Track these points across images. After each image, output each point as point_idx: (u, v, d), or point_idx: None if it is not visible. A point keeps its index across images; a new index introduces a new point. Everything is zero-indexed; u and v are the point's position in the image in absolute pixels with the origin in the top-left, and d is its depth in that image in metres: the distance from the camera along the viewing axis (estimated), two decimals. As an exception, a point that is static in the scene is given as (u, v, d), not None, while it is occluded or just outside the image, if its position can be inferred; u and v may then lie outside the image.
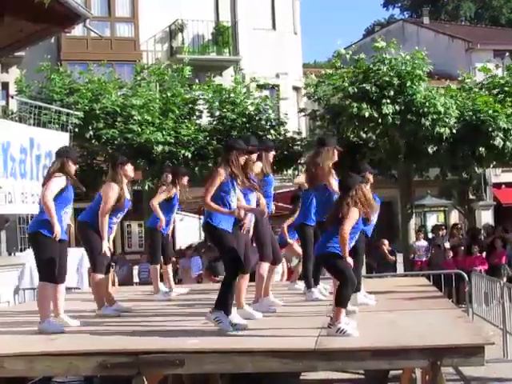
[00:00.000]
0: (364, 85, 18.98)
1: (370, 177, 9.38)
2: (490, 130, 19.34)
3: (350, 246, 7.13)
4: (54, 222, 7.73)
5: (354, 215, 7.03)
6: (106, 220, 8.84)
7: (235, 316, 7.44)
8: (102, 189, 9.06)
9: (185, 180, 11.01)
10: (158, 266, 11.04)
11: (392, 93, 18.83)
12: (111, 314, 8.89)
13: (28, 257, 13.73)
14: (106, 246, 8.85)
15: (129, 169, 9.29)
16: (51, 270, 7.84)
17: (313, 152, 9.36)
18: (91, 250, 9.01)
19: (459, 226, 26.01)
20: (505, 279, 17.61)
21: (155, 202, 10.66)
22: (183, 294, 11.21)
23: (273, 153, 9.43)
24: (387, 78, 18.88)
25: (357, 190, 7.15)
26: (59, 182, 7.97)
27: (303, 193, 9.85)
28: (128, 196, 9.23)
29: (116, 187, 8.98)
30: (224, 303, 7.31)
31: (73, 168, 8.19)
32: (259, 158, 8.84)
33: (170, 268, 11.38)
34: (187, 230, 26.66)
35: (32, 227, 8.08)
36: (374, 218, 9.06)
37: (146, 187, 20.41)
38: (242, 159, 7.65)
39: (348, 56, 20.81)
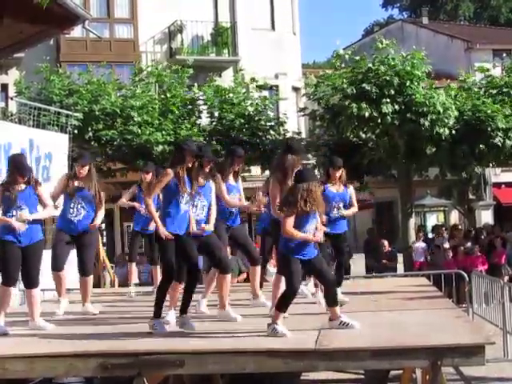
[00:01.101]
0: (364, 85, 18.99)
1: (337, 173, 9.30)
2: (489, 130, 19.37)
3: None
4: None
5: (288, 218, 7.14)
6: None
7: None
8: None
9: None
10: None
11: (392, 92, 18.84)
12: None
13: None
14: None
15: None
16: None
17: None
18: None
19: (459, 226, 26.01)
20: (505, 279, 17.61)
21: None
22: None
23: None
24: (388, 78, 18.89)
25: (308, 185, 7.18)
26: None
27: None
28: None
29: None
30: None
31: None
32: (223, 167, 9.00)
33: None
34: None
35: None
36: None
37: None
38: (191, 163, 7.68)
39: (347, 56, 20.83)
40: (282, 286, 7.62)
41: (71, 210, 9.15)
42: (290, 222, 7.08)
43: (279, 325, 6.99)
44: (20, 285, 13.51)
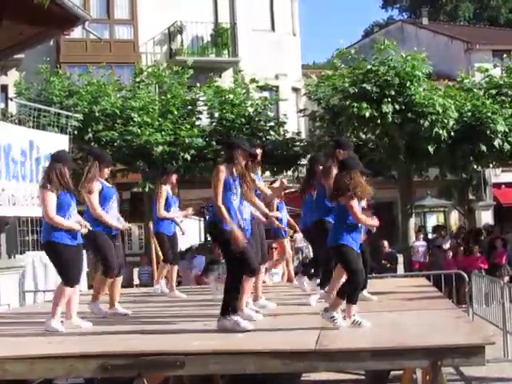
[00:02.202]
0: (364, 85, 19.00)
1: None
2: (489, 131, 19.38)
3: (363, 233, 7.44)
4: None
5: (354, 203, 7.18)
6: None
7: (239, 317, 7.40)
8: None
9: (173, 178, 11.11)
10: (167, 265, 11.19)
11: (392, 92, 18.86)
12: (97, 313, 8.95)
13: (29, 259, 13.78)
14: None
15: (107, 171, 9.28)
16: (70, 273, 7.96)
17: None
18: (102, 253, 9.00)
19: (463, 227, 26.05)
20: (506, 279, 17.62)
21: (162, 212, 10.88)
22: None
23: (259, 151, 9.41)
24: (389, 78, 18.90)
25: (353, 174, 7.25)
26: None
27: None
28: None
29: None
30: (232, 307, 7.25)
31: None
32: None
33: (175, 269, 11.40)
34: (187, 232, 26.56)
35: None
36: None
37: (147, 188, 20.42)
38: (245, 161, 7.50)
39: (350, 56, 20.85)
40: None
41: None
42: (355, 205, 7.16)
43: (336, 312, 7.05)
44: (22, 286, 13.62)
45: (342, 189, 7.21)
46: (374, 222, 7.58)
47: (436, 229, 25.27)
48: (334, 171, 8.25)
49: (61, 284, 8.02)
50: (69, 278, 7.95)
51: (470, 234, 23.60)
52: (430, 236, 28.54)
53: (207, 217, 22.15)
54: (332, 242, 7.37)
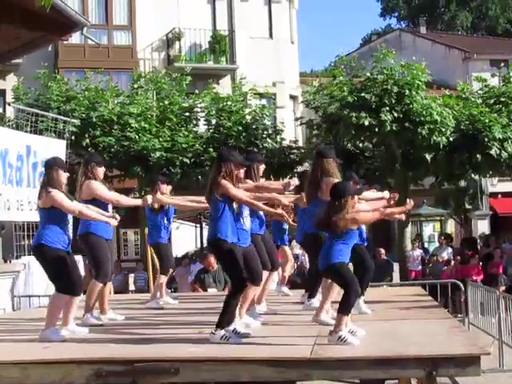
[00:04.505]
0: (363, 94, 19.02)
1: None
2: (486, 140, 19.39)
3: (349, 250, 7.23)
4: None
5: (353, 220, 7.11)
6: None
7: (238, 324, 7.40)
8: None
9: (163, 187, 10.94)
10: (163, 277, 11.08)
11: (393, 101, 18.86)
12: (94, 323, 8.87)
13: (24, 264, 13.74)
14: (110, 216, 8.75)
15: (101, 171, 9.26)
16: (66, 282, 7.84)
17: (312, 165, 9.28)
18: (96, 257, 8.96)
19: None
20: (502, 288, 17.61)
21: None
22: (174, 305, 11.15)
23: (263, 166, 9.41)
24: (388, 86, 18.92)
25: (347, 200, 7.14)
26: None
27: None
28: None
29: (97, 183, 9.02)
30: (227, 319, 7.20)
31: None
32: (248, 173, 8.72)
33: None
34: (183, 239, 26.62)
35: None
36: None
37: (143, 194, 20.40)
38: (238, 172, 7.51)
39: (348, 65, 20.88)
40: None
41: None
42: (357, 220, 7.15)
43: (343, 331, 6.82)
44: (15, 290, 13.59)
45: (333, 223, 7.06)
46: (382, 201, 7.60)
47: (442, 237, 24.79)
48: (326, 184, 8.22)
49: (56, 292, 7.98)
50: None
51: (465, 242, 23.58)
52: (425, 245, 28.54)
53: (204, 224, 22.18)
54: (323, 265, 7.25)
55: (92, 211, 8.36)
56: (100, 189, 8.85)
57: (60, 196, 7.85)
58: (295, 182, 8.88)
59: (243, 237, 7.79)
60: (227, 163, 7.39)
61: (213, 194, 7.33)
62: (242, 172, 7.82)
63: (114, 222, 8.47)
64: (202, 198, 8.22)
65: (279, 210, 8.25)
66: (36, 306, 13.03)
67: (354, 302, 7.13)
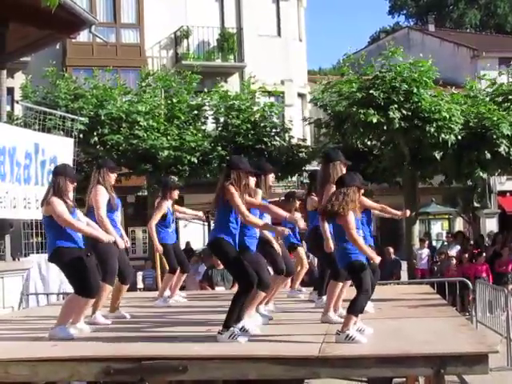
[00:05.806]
0: (371, 91, 18.98)
1: None
2: (495, 137, 19.32)
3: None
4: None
5: (350, 219, 7.01)
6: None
7: (246, 321, 7.38)
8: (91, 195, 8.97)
9: (175, 194, 10.91)
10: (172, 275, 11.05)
11: (401, 98, 18.82)
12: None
13: (33, 262, 13.78)
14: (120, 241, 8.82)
15: (113, 177, 9.21)
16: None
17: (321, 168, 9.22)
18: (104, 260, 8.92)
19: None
20: (510, 287, 17.57)
21: (152, 225, 10.63)
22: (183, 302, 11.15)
23: (272, 176, 9.39)
24: (397, 84, 18.88)
25: (352, 190, 7.12)
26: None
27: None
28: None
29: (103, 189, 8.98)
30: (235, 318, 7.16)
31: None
32: (257, 182, 8.57)
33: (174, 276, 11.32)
34: (191, 237, 26.65)
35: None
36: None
37: (151, 192, 20.46)
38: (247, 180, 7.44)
39: (357, 63, 20.83)
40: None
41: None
42: (352, 231, 6.97)
43: (351, 330, 6.79)
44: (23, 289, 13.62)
45: (335, 210, 7.00)
46: (373, 255, 7.15)
47: (456, 235, 24.65)
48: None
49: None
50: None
51: (471, 240, 23.50)
52: (434, 243, 28.48)
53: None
54: (342, 263, 7.24)
55: (92, 229, 8.19)
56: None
57: (57, 204, 7.71)
58: (302, 225, 8.82)
59: (251, 243, 7.80)
60: (236, 171, 7.35)
61: (220, 199, 7.32)
62: (252, 181, 7.80)
63: (121, 245, 8.50)
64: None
65: (280, 228, 8.17)
66: (44, 304, 13.08)
67: (363, 306, 7.08)
